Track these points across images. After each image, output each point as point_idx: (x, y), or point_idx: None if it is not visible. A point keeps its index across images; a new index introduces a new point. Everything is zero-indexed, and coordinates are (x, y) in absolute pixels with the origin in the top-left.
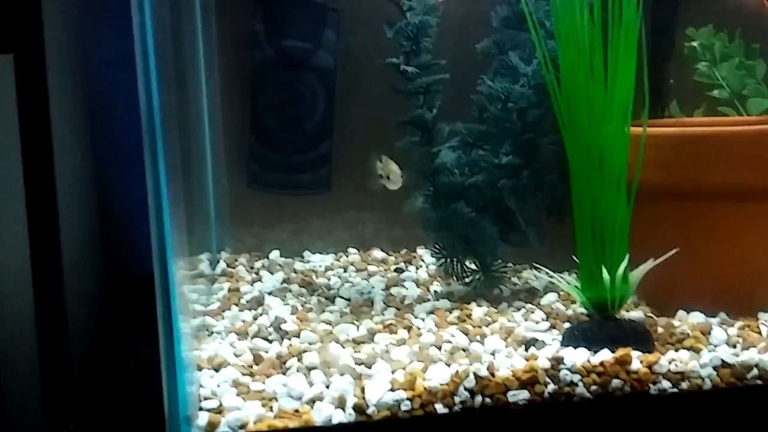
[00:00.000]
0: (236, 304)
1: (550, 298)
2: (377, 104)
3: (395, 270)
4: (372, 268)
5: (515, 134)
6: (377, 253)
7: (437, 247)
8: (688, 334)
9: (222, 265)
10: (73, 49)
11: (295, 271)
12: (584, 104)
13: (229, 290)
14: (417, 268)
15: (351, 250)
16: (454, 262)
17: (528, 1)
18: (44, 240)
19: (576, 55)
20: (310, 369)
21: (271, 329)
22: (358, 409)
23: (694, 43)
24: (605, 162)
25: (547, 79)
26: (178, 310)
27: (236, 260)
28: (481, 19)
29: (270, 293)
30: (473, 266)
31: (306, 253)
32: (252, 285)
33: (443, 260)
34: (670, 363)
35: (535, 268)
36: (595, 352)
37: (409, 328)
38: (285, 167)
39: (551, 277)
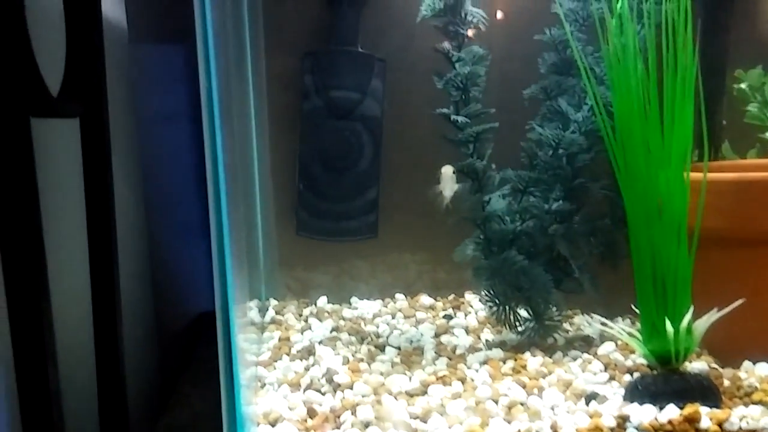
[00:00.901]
0: (287, 354)
1: (607, 347)
2: (424, 150)
3: (444, 317)
4: (420, 315)
5: (566, 180)
6: (425, 299)
7: (489, 294)
8: (756, 387)
9: (271, 312)
10: (130, 106)
11: (343, 319)
12: (641, 151)
13: (280, 339)
14: (466, 315)
15: (398, 295)
16: (507, 310)
17: (577, 47)
18: (103, 289)
19: (631, 102)
20: (365, 424)
21: (323, 380)
22: None
23: (743, 85)
24: (665, 210)
25: (601, 126)
26: (238, 362)
27: (285, 308)
28: (529, 65)
29: (320, 342)
30: (526, 314)
31: (354, 300)
32: (302, 334)
33: (495, 308)
34: (741, 420)
35: (590, 315)
36: (661, 408)
37: (462, 380)
38: (333, 214)
39: (611, 328)
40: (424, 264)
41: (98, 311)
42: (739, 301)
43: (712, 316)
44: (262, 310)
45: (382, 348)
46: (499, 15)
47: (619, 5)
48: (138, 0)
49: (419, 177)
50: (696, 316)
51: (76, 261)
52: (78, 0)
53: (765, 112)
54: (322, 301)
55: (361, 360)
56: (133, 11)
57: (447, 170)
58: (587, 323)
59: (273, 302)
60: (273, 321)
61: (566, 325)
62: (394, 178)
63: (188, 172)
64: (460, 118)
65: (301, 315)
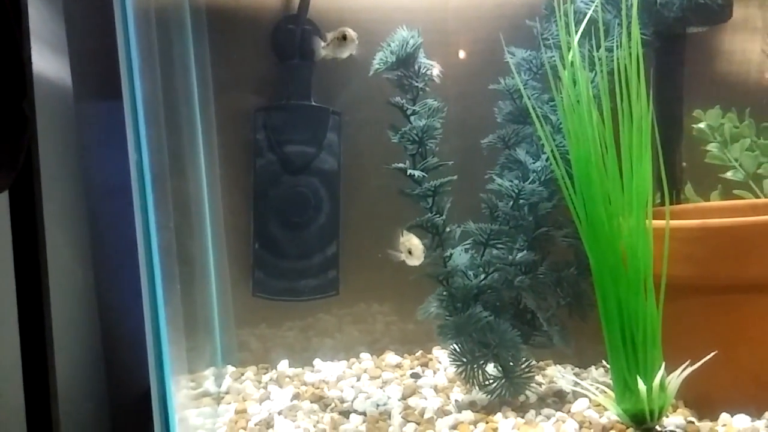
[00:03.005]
0: (244, 429)
1: (581, 404)
2: (385, 203)
3: (411, 375)
4: (387, 375)
5: (528, 230)
6: (391, 358)
7: (455, 353)
8: None
9: (228, 381)
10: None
11: (305, 384)
12: (600, 201)
13: (236, 411)
14: (434, 372)
15: (363, 354)
16: (475, 369)
17: (531, 95)
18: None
19: (587, 151)
20: None
21: None
22: None
23: (702, 125)
24: (629, 261)
25: (558, 177)
26: None
27: (243, 374)
28: (485, 115)
29: (280, 413)
30: (495, 371)
31: (317, 361)
32: (260, 404)
33: (463, 367)
34: None
35: (563, 366)
36: None
37: None
38: (291, 273)
39: (584, 389)
40: (390, 319)
41: (30, 396)
42: (711, 354)
43: (685, 371)
44: (219, 379)
45: (346, 414)
46: (457, 64)
47: (570, 55)
48: (83, 57)
49: (380, 230)
50: (670, 366)
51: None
52: (4, 65)
53: (725, 152)
54: (283, 365)
55: (324, 431)
56: (78, 69)
57: (414, 241)
58: (560, 375)
59: (230, 369)
60: (230, 390)
61: (539, 378)
62: (355, 232)
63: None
64: (416, 173)
65: (260, 382)
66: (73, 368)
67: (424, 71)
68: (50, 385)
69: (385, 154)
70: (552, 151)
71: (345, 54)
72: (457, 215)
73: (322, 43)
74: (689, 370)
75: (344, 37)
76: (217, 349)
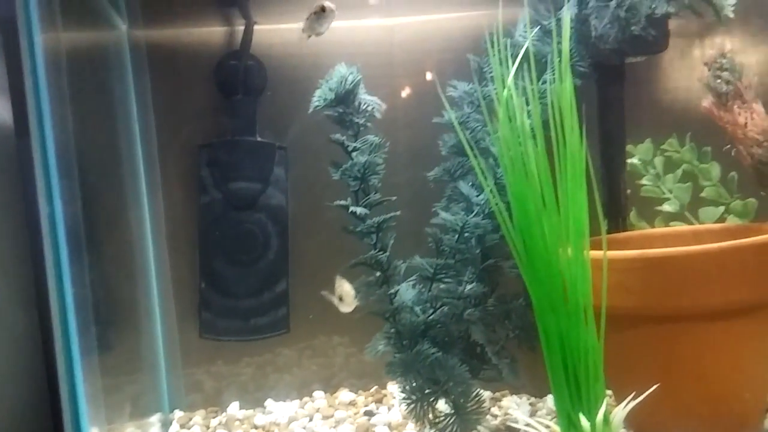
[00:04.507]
0: None
1: None
2: (334, 237)
3: (365, 413)
4: (340, 414)
5: (475, 262)
6: (345, 395)
7: (405, 391)
8: None
9: (175, 426)
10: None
11: (255, 428)
12: (538, 235)
13: None
14: (389, 409)
15: (317, 393)
16: (425, 406)
17: (474, 128)
18: None
19: (524, 185)
20: None
21: None
22: None
23: (635, 159)
24: (569, 294)
25: (496, 211)
26: None
27: (191, 419)
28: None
29: None
30: (447, 407)
31: (268, 402)
32: None
33: (412, 405)
34: None
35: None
36: None
37: None
38: (239, 312)
39: (532, 427)
40: (343, 355)
41: None
42: (654, 387)
43: (629, 404)
44: (165, 425)
45: None
46: (405, 96)
47: (505, 92)
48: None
49: (331, 264)
50: (620, 398)
51: None
52: None
53: (659, 185)
54: (234, 407)
55: None
56: (19, 104)
57: (346, 287)
58: (516, 405)
59: (178, 414)
60: None
61: (494, 410)
62: (305, 267)
63: None
64: (358, 210)
65: (208, 427)
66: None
67: (364, 107)
68: None
69: (334, 187)
70: (489, 184)
71: (324, 28)
72: (411, 247)
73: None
74: (633, 403)
75: (323, 9)
76: (164, 393)
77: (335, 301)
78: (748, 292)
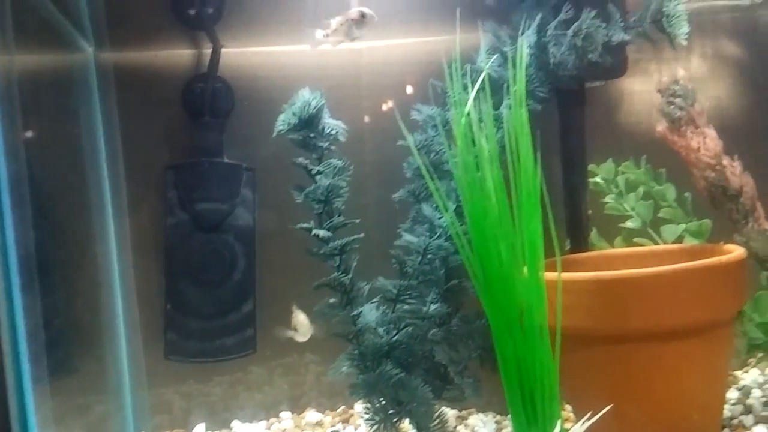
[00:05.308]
0: None
1: None
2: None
3: None
4: None
5: (439, 283)
6: (312, 415)
7: (368, 411)
8: None
9: None
10: None
11: None
12: (495, 257)
13: None
14: (355, 429)
15: (284, 413)
16: (388, 427)
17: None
18: None
19: (482, 209)
20: None
21: None
22: None
23: (598, 179)
24: (525, 316)
25: (454, 235)
26: None
27: None
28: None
29: None
30: (412, 428)
31: (234, 423)
32: None
33: (376, 426)
34: None
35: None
36: None
37: None
38: (206, 333)
39: None
40: (314, 374)
41: None
42: (608, 407)
43: (584, 424)
44: None
45: None
46: (372, 119)
47: (463, 118)
48: None
49: (299, 285)
50: (578, 414)
51: None
52: None
53: (621, 203)
54: (200, 429)
55: None
56: None
57: (300, 318)
58: (482, 423)
59: None
60: None
61: (461, 428)
62: (273, 288)
63: None
64: (321, 232)
65: None
66: None
67: (328, 131)
68: None
69: (302, 209)
70: (448, 207)
71: (360, 33)
72: (379, 268)
73: (322, 32)
74: (588, 423)
75: (363, 16)
76: (128, 415)
77: (290, 333)
78: (698, 313)
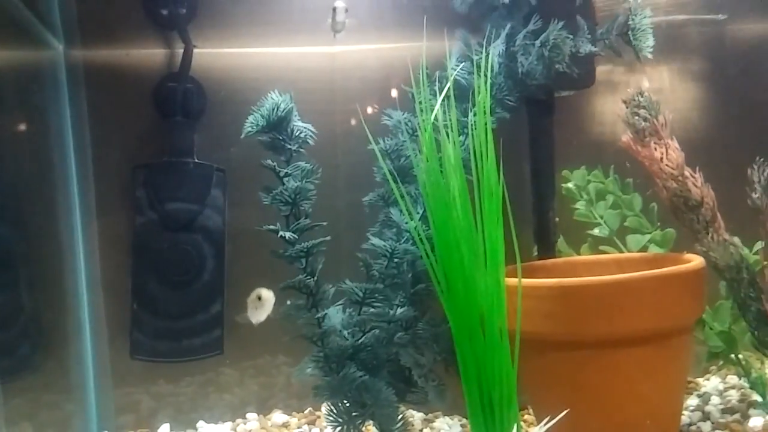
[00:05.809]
0: None
1: None
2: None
3: None
4: None
5: (406, 286)
6: (278, 417)
7: (332, 413)
8: None
9: None
10: None
11: None
12: (457, 262)
13: None
14: (321, 431)
15: (250, 414)
16: (352, 429)
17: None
18: None
19: (445, 214)
20: None
21: None
22: None
23: (570, 185)
24: (486, 321)
25: (417, 240)
26: None
27: None
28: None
29: None
30: (376, 430)
31: (200, 424)
32: None
33: (339, 428)
34: None
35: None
36: None
37: None
38: (172, 333)
39: None
40: (285, 375)
41: None
42: (564, 412)
43: (541, 429)
44: None
45: None
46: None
47: (427, 120)
48: None
49: (268, 287)
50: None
51: None
52: None
53: (591, 210)
54: (165, 429)
55: None
56: None
57: (264, 292)
58: (448, 426)
59: None
60: None
61: (426, 431)
62: (241, 288)
63: None
64: (287, 234)
65: None
66: None
67: (297, 134)
68: None
69: (273, 210)
70: (413, 212)
71: (339, 27)
72: (349, 270)
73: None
74: (544, 428)
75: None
76: (92, 414)
77: (250, 310)
78: (657, 321)
